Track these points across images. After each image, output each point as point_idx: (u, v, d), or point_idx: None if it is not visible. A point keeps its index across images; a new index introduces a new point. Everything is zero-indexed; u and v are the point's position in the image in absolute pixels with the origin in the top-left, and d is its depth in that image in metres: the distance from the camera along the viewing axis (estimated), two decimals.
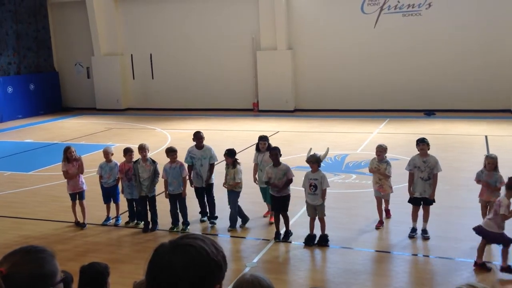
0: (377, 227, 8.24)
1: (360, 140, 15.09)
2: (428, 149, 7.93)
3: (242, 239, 8.23)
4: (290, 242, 7.87)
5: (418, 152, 7.95)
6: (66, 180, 9.10)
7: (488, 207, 7.66)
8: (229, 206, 8.61)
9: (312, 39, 21.03)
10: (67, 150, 8.92)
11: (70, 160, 8.88)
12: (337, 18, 20.65)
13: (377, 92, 20.40)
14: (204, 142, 8.95)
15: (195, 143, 8.86)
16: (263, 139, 8.76)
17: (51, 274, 1.85)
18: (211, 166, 8.82)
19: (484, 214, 7.75)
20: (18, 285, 1.77)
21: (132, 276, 6.26)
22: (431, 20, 19.44)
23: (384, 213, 8.47)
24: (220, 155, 9.16)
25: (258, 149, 8.80)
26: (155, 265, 1.69)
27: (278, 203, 8.01)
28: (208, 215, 8.93)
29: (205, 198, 8.94)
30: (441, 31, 19.38)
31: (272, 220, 8.47)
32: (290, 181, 7.96)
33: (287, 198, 8.03)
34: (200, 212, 9.01)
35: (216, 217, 8.84)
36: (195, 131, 9.04)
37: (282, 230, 8.06)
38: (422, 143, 7.89)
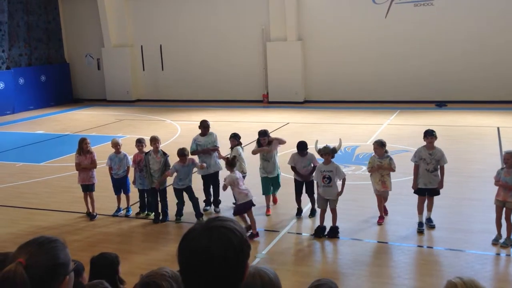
0: (379, 223, 8.09)
1: (371, 132, 15.03)
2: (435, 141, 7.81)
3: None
4: (314, 217, 8.32)
5: (425, 144, 7.82)
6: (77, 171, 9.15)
7: (505, 208, 7.05)
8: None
9: (322, 29, 20.90)
10: (81, 142, 8.98)
11: (84, 151, 8.93)
12: (347, 8, 20.49)
13: (388, 83, 20.26)
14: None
15: (200, 131, 9.04)
16: (262, 134, 8.72)
17: (65, 263, 1.90)
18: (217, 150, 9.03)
19: (499, 218, 7.13)
20: (38, 276, 1.80)
21: (143, 266, 6.31)
22: (443, 10, 19.23)
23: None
24: (225, 146, 9.23)
25: (259, 144, 8.81)
26: (192, 251, 1.67)
27: (301, 187, 8.42)
28: (212, 202, 9.14)
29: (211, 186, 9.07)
30: (453, 21, 19.17)
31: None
32: (315, 168, 8.18)
33: (311, 182, 8.33)
34: (204, 201, 9.15)
35: (220, 202, 9.13)
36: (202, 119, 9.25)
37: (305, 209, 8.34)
38: (431, 136, 7.75)
